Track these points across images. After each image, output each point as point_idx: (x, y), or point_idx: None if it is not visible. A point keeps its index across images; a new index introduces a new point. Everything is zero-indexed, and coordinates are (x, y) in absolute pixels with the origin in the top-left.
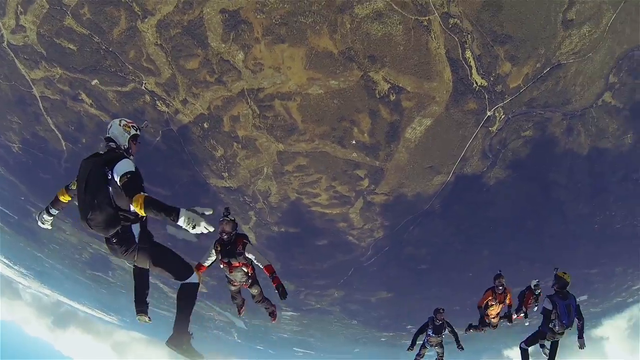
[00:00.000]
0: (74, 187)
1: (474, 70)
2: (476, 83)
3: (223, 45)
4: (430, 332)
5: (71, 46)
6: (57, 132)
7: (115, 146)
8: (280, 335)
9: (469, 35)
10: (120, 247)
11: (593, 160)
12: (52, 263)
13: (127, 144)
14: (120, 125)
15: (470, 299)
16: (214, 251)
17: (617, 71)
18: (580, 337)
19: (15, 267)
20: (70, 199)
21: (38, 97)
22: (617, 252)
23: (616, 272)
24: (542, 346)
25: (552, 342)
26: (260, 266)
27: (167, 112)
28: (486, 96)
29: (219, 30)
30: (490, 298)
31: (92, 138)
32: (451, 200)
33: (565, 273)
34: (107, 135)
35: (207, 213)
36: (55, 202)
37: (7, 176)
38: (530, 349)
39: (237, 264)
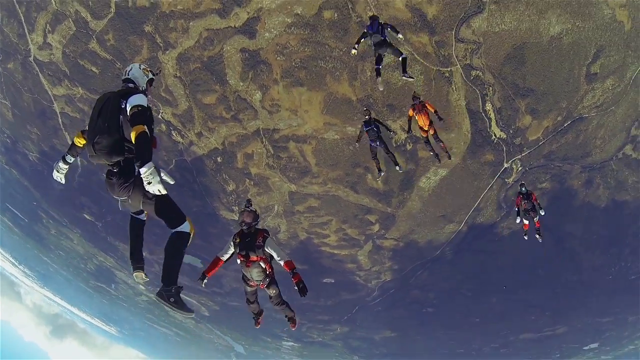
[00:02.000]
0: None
1: (493, 123)
2: (495, 135)
3: (241, 84)
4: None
5: (94, 69)
6: None
7: (133, 86)
8: None
9: (490, 88)
10: (119, 179)
11: (611, 212)
12: (56, 268)
13: (145, 85)
14: (140, 68)
15: (475, 343)
16: (232, 244)
17: (639, 124)
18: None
19: (20, 267)
20: (85, 142)
21: (58, 113)
22: (631, 302)
23: (629, 321)
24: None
25: (401, 60)
26: (281, 262)
27: (182, 142)
28: (504, 148)
29: (238, 68)
30: (410, 111)
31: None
32: (462, 247)
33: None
34: (126, 77)
35: (169, 181)
36: (72, 148)
37: (22, 181)
38: None
39: (255, 258)
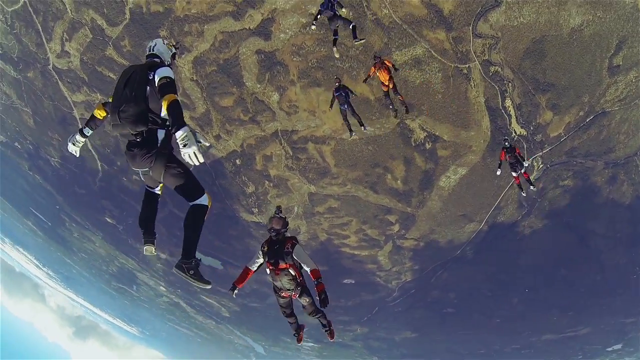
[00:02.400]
0: (111, 100)
1: (513, 119)
2: (515, 132)
3: (258, 86)
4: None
5: (111, 75)
6: (94, 153)
7: (159, 61)
8: None
9: (510, 84)
10: (141, 150)
11: (635, 210)
12: (79, 270)
13: (170, 59)
14: (164, 43)
15: (496, 344)
16: (260, 253)
17: None
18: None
19: (44, 269)
20: (106, 114)
21: (78, 119)
22: None
23: None
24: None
25: (351, 28)
26: (308, 269)
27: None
28: (525, 145)
29: (254, 70)
30: (373, 70)
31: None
32: (483, 247)
33: None
34: (151, 52)
35: (205, 143)
36: (91, 120)
37: (45, 186)
38: None
39: (284, 265)
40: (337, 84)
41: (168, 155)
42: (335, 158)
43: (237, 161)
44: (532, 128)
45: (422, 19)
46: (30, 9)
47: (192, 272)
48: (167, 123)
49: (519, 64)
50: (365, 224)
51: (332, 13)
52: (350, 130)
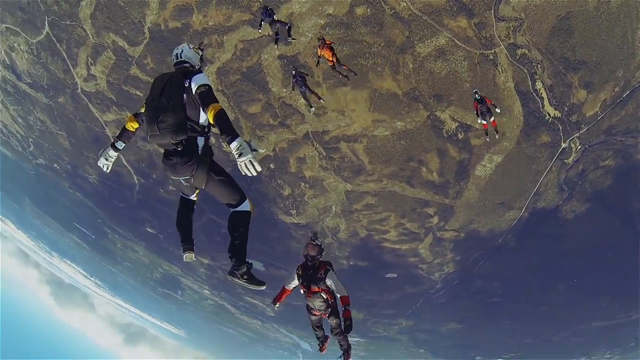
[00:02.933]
0: (142, 110)
1: (546, 102)
2: (549, 115)
3: (284, 90)
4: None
5: (138, 92)
6: (129, 168)
7: (189, 66)
8: None
9: (539, 65)
10: (182, 159)
11: None
12: (125, 278)
13: (199, 63)
14: (191, 48)
15: (544, 333)
16: (295, 275)
17: None
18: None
19: (92, 279)
20: (138, 126)
21: (111, 138)
22: None
23: None
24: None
25: (287, 28)
26: (337, 295)
27: (233, 153)
28: (560, 127)
29: (278, 75)
30: (319, 51)
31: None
32: (524, 234)
33: None
34: (180, 59)
35: (260, 150)
36: (123, 133)
37: (86, 202)
38: None
39: (316, 289)
40: (294, 72)
41: (210, 163)
42: (369, 155)
43: (271, 165)
44: (566, 109)
45: (441, 8)
46: (53, 38)
47: (245, 277)
48: (206, 130)
49: (546, 44)
50: (404, 218)
51: (271, 19)
52: (311, 106)
